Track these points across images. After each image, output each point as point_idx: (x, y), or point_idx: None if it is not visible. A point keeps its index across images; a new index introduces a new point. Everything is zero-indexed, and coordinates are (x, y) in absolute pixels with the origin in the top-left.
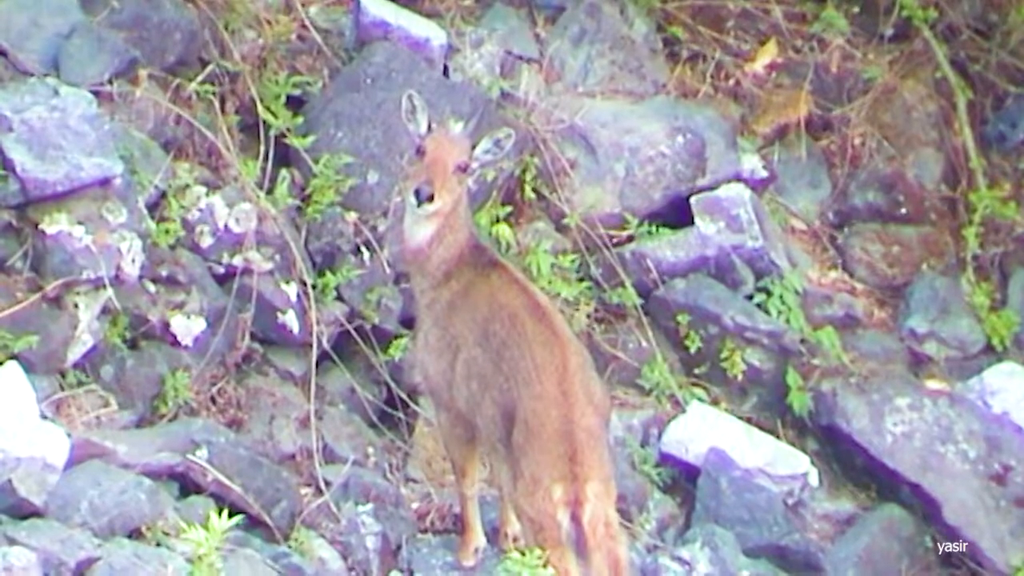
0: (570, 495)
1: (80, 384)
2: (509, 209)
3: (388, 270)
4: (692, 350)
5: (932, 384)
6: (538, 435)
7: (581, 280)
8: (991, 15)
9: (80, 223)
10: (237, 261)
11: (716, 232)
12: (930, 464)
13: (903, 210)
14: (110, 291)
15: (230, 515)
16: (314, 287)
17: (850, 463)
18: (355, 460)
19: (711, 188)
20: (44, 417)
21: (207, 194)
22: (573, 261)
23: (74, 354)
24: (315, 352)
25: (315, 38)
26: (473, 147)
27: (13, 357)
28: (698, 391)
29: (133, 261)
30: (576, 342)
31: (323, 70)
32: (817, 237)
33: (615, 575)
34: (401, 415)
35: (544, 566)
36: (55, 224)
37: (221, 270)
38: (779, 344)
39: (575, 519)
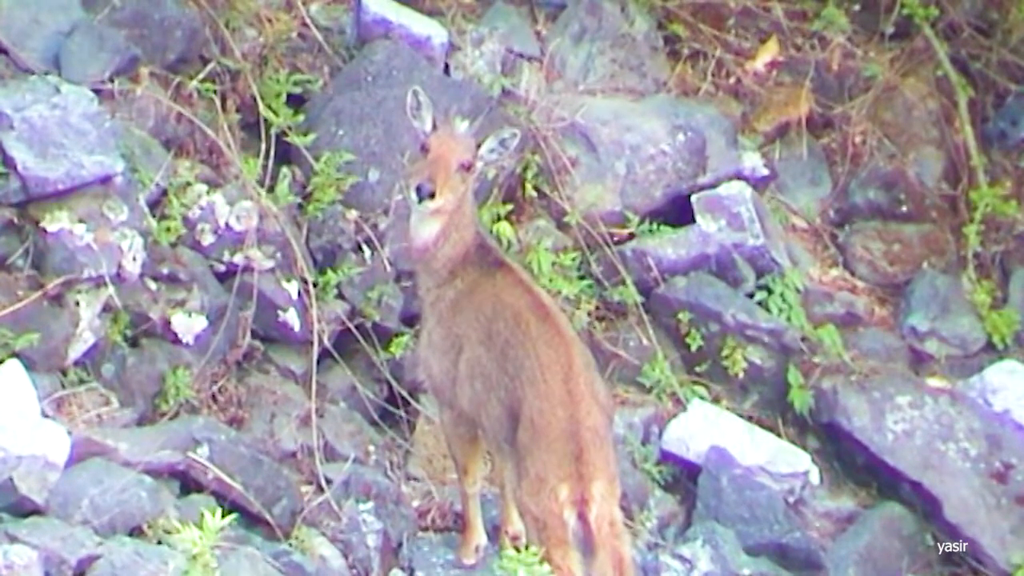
0: (576, 494)
1: (81, 382)
2: (510, 207)
3: (389, 268)
4: (693, 348)
5: (933, 382)
6: (544, 434)
7: (582, 278)
8: (992, 13)
9: (81, 221)
10: (238, 259)
11: (717, 230)
12: (931, 462)
13: (904, 208)
14: (111, 289)
15: (231, 513)
16: (315, 285)
17: (851, 461)
18: (356, 458)
19: (712, 186)
20: (45, 415)
21: (208, 192)
22: (574, 259)
23: (75, 352)
24: (316, 350)
25: (316, 36)
26: (478, 146)
27: (14, 355)
28: (699, 389)
29: (134, 259)
30: (580, 342)
31: (324, 68)
32: (818, 235)
33: (619, 574)
34: (402, 413)
35: (540, 563)
36: (56, 222)
37: (222, 268)
38: (780, 342)
39: (582, 518)
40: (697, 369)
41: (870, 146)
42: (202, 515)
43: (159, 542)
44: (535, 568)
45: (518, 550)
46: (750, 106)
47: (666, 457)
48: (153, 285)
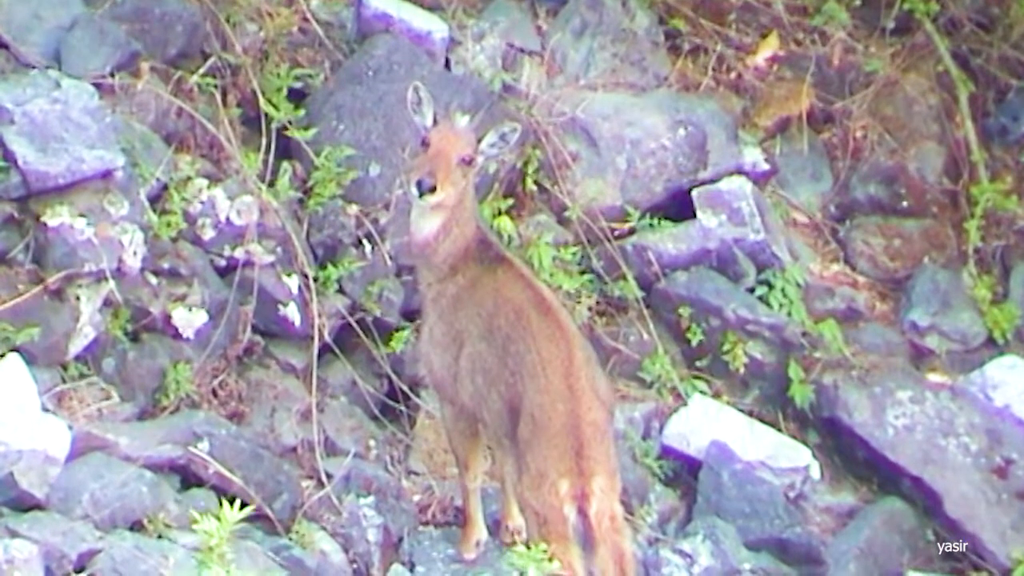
0: (577, 489)
1: (81, 376)
2: (511, 202)
3: (389, 263)
4: (693, 343)
5: (933, 377)
6: (544, 429)
7: (582, 273)
8: (993, 8)
9: (82, 215)
10: (239, 253)
11: (718, 225)
12: (931, 457)
13: (905, 203)
14: (112, 283)
15: (243, 508)
16: (315, 280)
17: (851, 456)
18: (356, 453)
19: (712, 181)
20: (45, 410)
21: (209, 187)
22: (575, 254)
23: (75, 346)
24: (316, 345)
25: (317, 31)
26: (478, 141)
27: (15, 349)
28: (700, 384)
29: (135, 253)
30: (581, 337)
31: (325, 63)
32: (819, 230)
33: (620, 568)
34: (403, 408)
35: (549, 560)
36: (57, 216)
37: (223, 262)
38: (781, 337)
39: (582, 513)
40: (698, 364)
41: (871, 141)
42: (220, 506)
43: (160, 536)
44: (543, 565)
45: (528, 547)
46: (751, 101)
47: (667, 452)
48: (154, 280)
